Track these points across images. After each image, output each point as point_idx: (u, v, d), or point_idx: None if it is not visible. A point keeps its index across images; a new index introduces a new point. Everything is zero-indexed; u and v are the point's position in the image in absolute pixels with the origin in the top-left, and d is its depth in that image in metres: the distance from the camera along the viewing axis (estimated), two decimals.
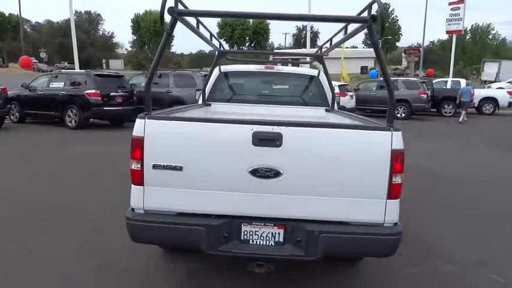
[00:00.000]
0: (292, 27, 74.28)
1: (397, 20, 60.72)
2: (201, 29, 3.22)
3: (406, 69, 56.81)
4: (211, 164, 2.53)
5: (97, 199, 5.21)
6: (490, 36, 68.06)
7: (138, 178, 2.58)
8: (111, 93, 11.80)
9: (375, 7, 2.45)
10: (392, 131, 2.48)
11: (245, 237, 2.61)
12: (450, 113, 18.17)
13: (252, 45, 50.26)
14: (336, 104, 4.87)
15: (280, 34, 66.64)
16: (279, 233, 2.60)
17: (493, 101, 19.06)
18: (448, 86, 20.46)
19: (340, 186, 2.52)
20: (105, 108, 11.67)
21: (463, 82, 19.71)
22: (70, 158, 7.82)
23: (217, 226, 2.52)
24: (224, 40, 49.26)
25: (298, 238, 2.54)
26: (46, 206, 4.92)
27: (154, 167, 2.54)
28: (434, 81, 20.58)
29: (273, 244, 2.60)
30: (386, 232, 2.50)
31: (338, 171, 2.51)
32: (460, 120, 15.62)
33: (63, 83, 12.11)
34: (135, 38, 66.13)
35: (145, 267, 3.44)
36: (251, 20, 48.42)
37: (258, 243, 2.60)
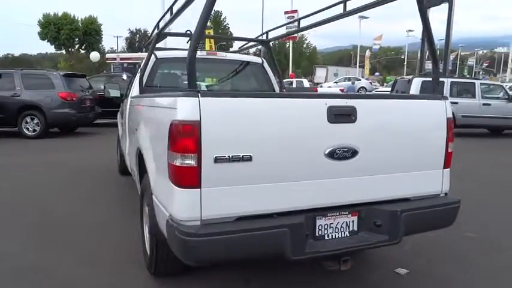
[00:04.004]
0: (124, 30, 70.54)
1: (229, 27, 64.25)
2: None
3: None
4: (284, 149, 2.06)
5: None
6: (305, 45, 78.69)
7: (192, 178, 1.90)
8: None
9: None
10: (444, 100, 2.49)
11: (320, 232, 2.21)
12: None
13: (83, 47, 45.35)
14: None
15: (111, 37, 61.95)
16: (352, 221, 2.29)
17: None
18: (294, 85, 22.79)
19: (408, 160, 2.39)
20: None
21: (305, 82, 22.24)
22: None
23: (301, 224, 2.05)
24: (48, 41, 43.00)
25: (378, 222, 2.29)
26: None
27: (217, 160, 1.91)
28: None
29: (348, 235, 2.28)
30: (452, 201, 2.49)
31: (406, 144, 2.38)
32: None
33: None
34: None
35: None
36: (80, 19, 43.66)
37: (333, 236, 2.24)
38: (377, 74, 56.16)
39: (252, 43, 4.76)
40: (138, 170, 3.23)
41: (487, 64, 65.65)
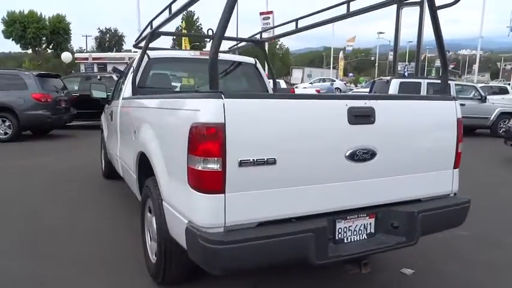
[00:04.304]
0: (93, 29, 68.66)
1: (202, 27, 63.63)
2: None
3: None
4: (306, 151, 2.02)
5: None
6: (277, 46, 79.13)
7: (216, 183, 1.83)
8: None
9: None
10: (455, 100, 2.52)
11: (339, 235, 2.18)
12: None
13: (51, 46, 43.66)
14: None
15: (80, 36, 59.77)
16: (370, 223, 2.28)
17: None
18: None
19: (422, 160, 2.40)
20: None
21: (282, 83, 22.32)
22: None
23: (325, 228, 2.02)
24: (13, 40, 41.07)
25: (395, 224, 2.28)
26: None
27: (242, 164, 1.84)
28: None
29: (365, 237, 2.26)
30: (463, 201, 2.52)
31: (420, 145, 2.39)
32: None
33: None
34: None
35: None
36: (47, 18, 42.04)
37: (352, 239, 2.22)
38: (351, 75, 57.44)
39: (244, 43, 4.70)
40: (137, 174, 3.10)
41: (453, 66, 68.30)
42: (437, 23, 2.48)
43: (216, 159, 1.81)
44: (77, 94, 11.69)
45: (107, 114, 5.10)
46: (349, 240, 2.21)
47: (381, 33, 44.59)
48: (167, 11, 3.43)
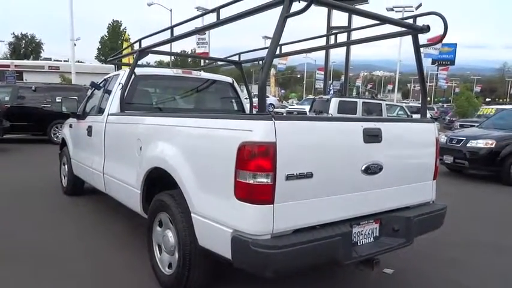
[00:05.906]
0: (7, 34, 62.96)
1: (130, 38, 61.69)
2: None
3: None
4: (334, 166, 2.34)
5: None
6: (207, 61, 79.26)
7: (266, 195, 2.06)
8: None
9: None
10: (434, 123, 3.02)
11: (354, 239, 2.51)
12: None
13: None
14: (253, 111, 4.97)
15: None
16: (376, 228, 2.64)
17: None
18: None
19: (413, 173, 2.85)
20: None
21: None
22: None
23: (350, 232, 2.35)
24: None
25: (396, 228, 2.66)
26: None
27: (288, 177, 2.10)
28: None
29: (372, 240, 2.62)
30: (442, 207, 3.00)
31: (412, 159, 2.84)
32: None
33: None
34: None
35: None
36: None
37: (363, 242, 2.56)
38: (282, 91, 59.93)
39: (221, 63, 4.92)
40: (142, 190, 3.15)
41: (371, 86, 74.77)
42: (420, 59, 2.97)
43: (267, 173, 2.04)
44: (8, 105, 10.82)
45: (76, 129, 4.94)
46: (361, 243, 2.54)
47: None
48: (157, 31, 3.59)
